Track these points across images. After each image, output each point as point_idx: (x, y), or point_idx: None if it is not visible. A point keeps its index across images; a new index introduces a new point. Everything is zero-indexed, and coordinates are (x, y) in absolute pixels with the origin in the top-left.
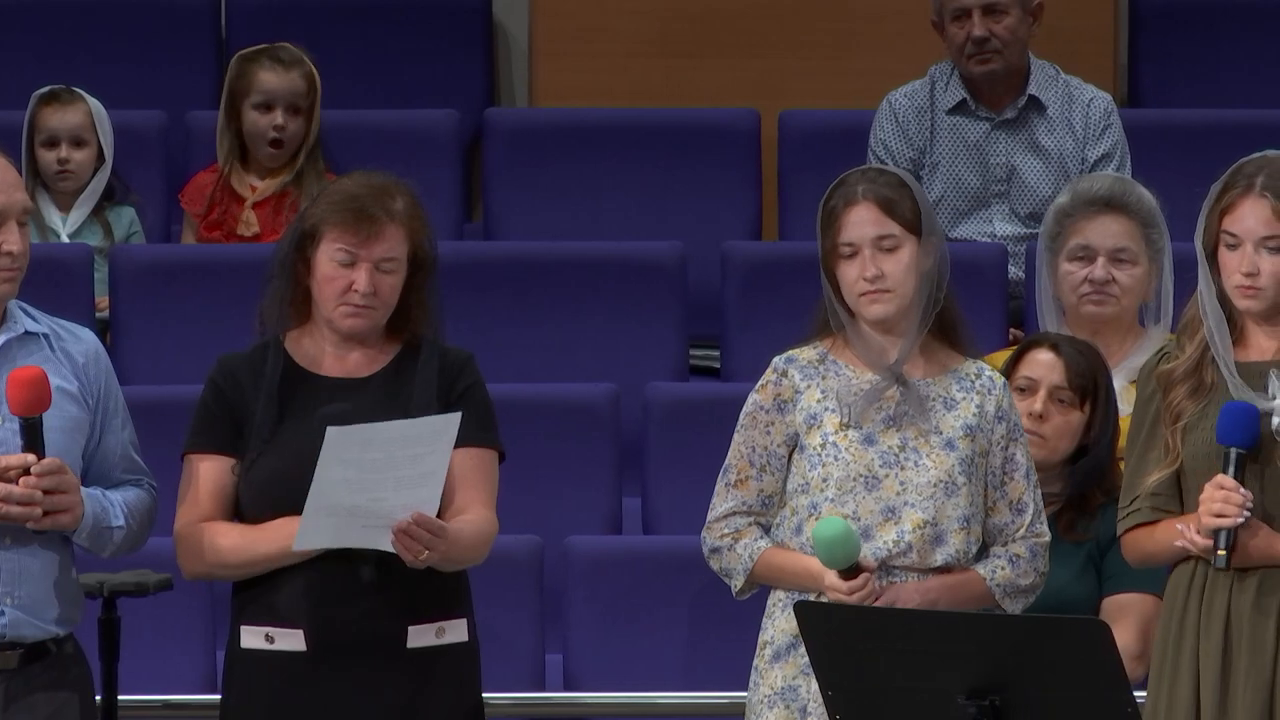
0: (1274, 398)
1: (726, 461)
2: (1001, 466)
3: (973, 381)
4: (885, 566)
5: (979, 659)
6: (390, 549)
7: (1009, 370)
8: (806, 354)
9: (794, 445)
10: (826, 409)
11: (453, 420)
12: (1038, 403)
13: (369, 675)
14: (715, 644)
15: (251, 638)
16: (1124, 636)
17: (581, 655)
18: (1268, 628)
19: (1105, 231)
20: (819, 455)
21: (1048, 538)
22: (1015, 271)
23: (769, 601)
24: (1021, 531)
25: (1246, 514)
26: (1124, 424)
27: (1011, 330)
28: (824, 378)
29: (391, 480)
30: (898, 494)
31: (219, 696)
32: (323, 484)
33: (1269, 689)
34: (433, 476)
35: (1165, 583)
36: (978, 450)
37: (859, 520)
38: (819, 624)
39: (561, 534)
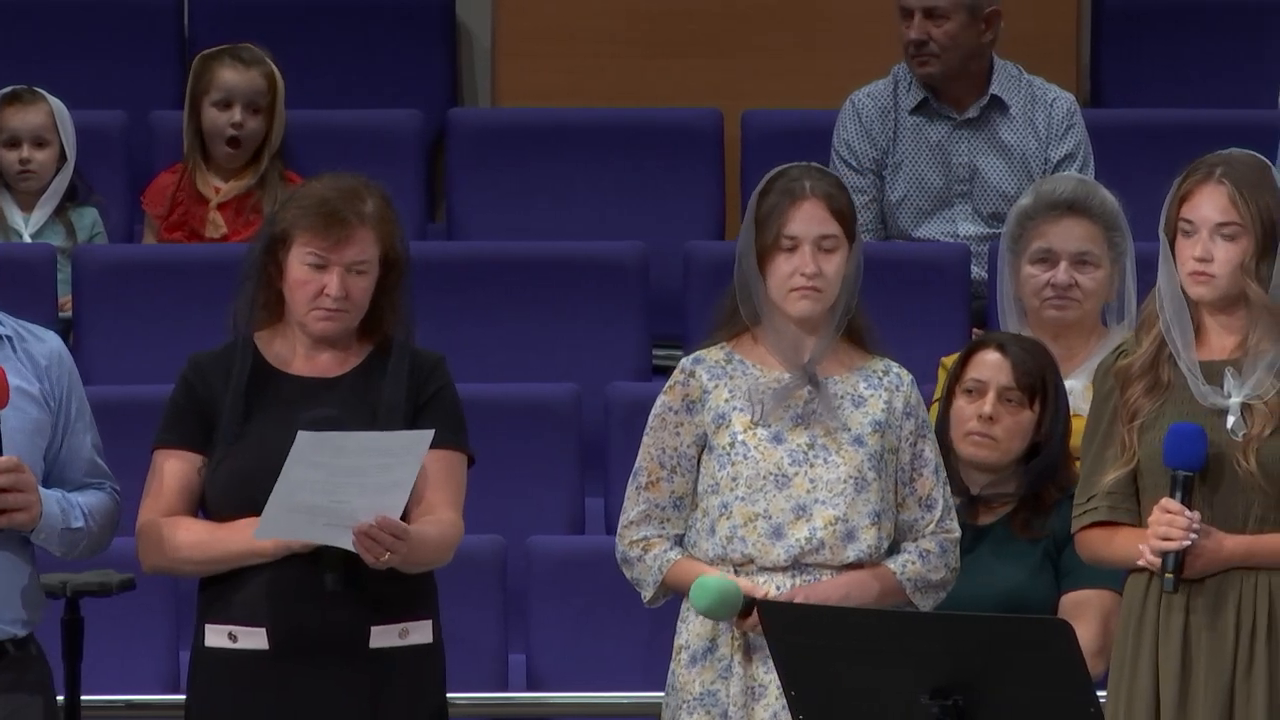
0: (1229, 396)
1: (637, 464)
2: (910, 463)
3: (880, 379)
4: (798, 564)
5: (942, 659)
6: (351, 548)
7: (956, 372)
8: (713, 354)
9: (703, 446)
10: (734, 408)
11: (425, 436)
12: (987, 404)
13: (331, 675)
14: None
15: (215, 636)
16: (1084, 632)
17: (545, 655)
18: (1225, 648)
19: (1067, 235)
20: (728, 455)
21: (957, 534)
22: (978, 272)
23: (683, 606)
24: (931, 527)
25: (1194, 536)
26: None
27: (974, 330)
28: (731, 377)
29: (357, 485)
30: (808, 491)
31: (183, 696)
32: (288, 482)
33: (1228, 691)
34: (400, 486)
35: (1124, 580)
36: (887, 447)
37: (770, 518)
38: (782, 624)
39: (524, 534)
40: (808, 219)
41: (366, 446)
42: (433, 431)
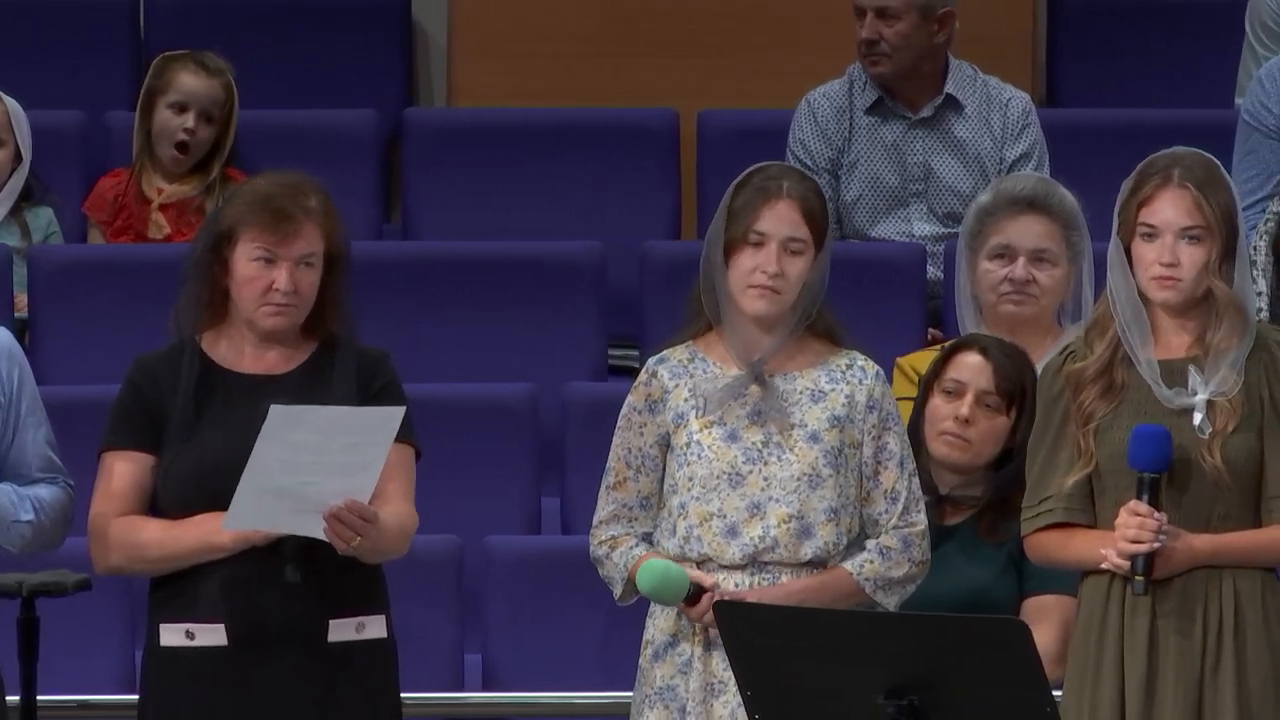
0: (1194, 393)
1: (607, 464)
2: (874, 456)
3: (843, 372)
4: (755, 562)
5: (898, 659)
6: (320, 536)
7: (936, 371)
8: (678, 353)
9: (666, 445)
10: (692, 408)
11: (395, 414)
12: (964, 406)
13: (289, 668)
14: (633, 643)
15: (171, 635)
16: (1045, 637)
17: (500, 655)
18: (1192, 649)
19: (1026, 232)
20: (684, 454)
21: (922, 526)
22: (934, 272)
23: (652, 602)
24: (894, 521)
25: (1163, 538)
26: None
27: (930, 330)
28: (692, 376)
29: (325, 465)
30: (762, 489)
31: (137, 696)
32: (259, 462)
33: (1197, 692)
34: (369, 468)
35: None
36: (847, 441)
37: (725, 517)
38: (738, 623)
39: (480, 534)
40: (779, 218)
41: (338, 420)
42: (404, 409)
